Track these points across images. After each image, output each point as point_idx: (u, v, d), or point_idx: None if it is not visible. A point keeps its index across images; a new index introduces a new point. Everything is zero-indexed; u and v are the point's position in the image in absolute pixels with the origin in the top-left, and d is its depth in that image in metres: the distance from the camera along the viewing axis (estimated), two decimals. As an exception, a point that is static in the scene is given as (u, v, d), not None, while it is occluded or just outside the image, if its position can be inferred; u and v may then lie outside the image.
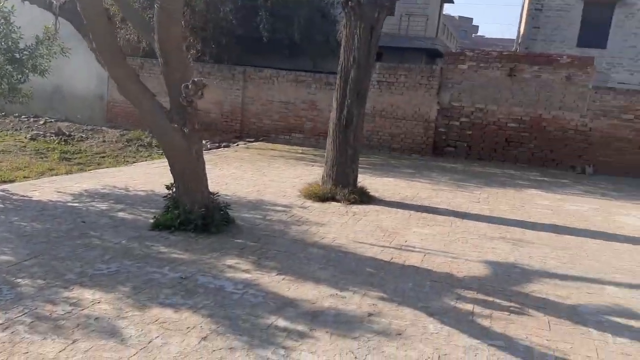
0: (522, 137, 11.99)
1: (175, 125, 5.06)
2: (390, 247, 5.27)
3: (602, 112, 11.40)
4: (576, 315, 3.89)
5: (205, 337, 3.16)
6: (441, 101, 12.52)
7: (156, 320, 3.32)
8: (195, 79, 4.87)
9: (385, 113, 12.98)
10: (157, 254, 4.53)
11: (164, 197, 5.56)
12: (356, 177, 7.65)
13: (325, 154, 7.68)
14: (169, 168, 5.49)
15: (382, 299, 3.99)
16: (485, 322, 3.68)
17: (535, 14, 17.94)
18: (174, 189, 5.41)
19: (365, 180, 8.87)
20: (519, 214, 7.19)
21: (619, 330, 3.67)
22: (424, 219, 6.53)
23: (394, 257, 4.98)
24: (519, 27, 18.27)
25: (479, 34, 64.75)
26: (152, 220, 5.30)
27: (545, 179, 10.51)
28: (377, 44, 7.50)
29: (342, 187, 7.30)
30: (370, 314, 3.69)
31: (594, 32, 17.06)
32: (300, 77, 13.54)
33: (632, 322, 3.82)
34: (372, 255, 5.00)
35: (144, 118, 5.32)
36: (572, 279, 4.69)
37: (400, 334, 3.42)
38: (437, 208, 7.19)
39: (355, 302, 3.87)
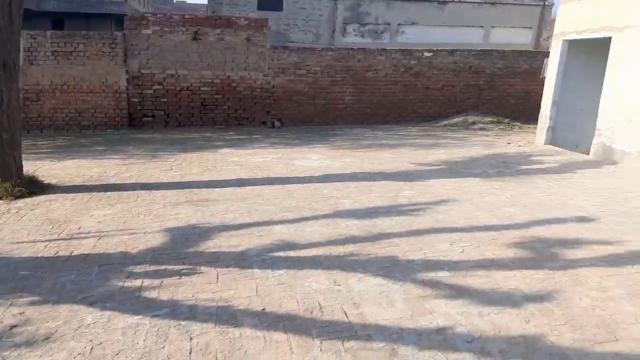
0: (216, 100, 12.32)
1: None
2: (58, 240, 4.59)
3: (281, 69, 12.58)
4: (244, 260, 4.10)
5: None
6: (130, 69, 11.72)
7: None
8: None
9: (67, 87, 11.44)
10: None
11: None
12: (21, 166, 6.45)
13: (-27, 144, 6.21)
14: None
15: (34, 303, 3.40)
16: (153, 294, 3.51)
17: (216, -22, 18.40)
18: None
19: (44, 166, 7.71)
20: (210, 174, 7.32)
21: (278, 264, 4.01)
22: (107, 199, 5.97)
23: (61, 250, 4.35)
24: (205, -8, 18.57)
25: None
26: None
27: (241, 137, 11.10)
28: (20, 7, 6.27)
29: (2, 181, 6.06)
30: (13, 327, 3.08)
31: (271, -4, 18.53)
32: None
33: (290, 253, 4.24)
34: (31, 254, 4.25)
35: None
36: (247, 226, 4.96)
37: (48, 338, 2.95)
38: (124, 184, 6.69)
39: (-8, 318, 3.17)
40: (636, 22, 8.05)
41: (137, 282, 3.70)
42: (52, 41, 11.25)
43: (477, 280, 3.64)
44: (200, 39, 11.94)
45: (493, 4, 19.48)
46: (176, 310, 3.28)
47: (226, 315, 3.19)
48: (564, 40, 9.83)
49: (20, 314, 3.25)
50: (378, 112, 13.52)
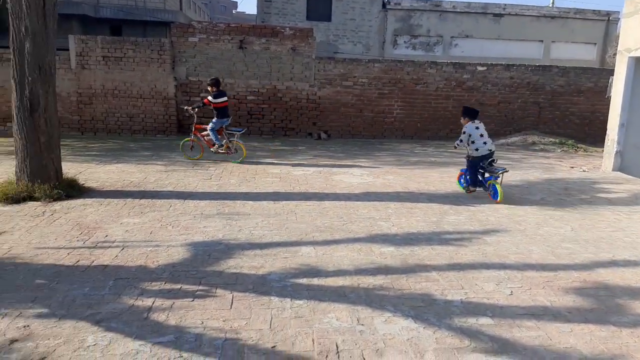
0: (263, 109, 12.23)
1: None
2: (82, 247, 4.46)
3: (327, 80, 12.32)
4: (263, 285, 3.77)
5: None
6: (178, 76, 11.86)
7: None
8: None
9: (118, 92, 11.71)
10: None
11: None
12: (59, 168, 6.49)
13: (14, 144, 6.30)
14: None
15: (41, 316, 3.22)
16: (162, 317, 3.25)
17: (266, -12, 18.38)
18: None
19: (89, 169, 7.82)
20: (247, 186, 7.11)
21: (299, 292, 3.65)
22: (140, 207, 5.86)
23: (82, 258, 4.20)
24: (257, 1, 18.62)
25: (239, 10, 65.66)
26: None
27: (285, 147, 10.89)
28: (54, 11, 6.26)
29: (41, 183, 6.10)
30: (13, 341, 2.91)
31: (320, 6, 18.14)
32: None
33: (314, 281, 3.86)
34: (53, 261, 4.13)
35: None
36: (273, 245, 4.65)
37: (44, 358, 2.74)
38: (160, 192, 6.59)
39: (-1, 329, 3.01)
40: None
41: (148, 302, 3.45)
42: (103, 46, 11.56)
43: (526, 333, 3.11)
44: (245, 47, 11.91)
45: (553, 17, 18.38)
46: (181, 339, 2.99)
47: (232, 351, 2.86)
48: (630, 57, 8.96)
49: (25, 327, 3.07)
50: (430, 127, 12.95)
